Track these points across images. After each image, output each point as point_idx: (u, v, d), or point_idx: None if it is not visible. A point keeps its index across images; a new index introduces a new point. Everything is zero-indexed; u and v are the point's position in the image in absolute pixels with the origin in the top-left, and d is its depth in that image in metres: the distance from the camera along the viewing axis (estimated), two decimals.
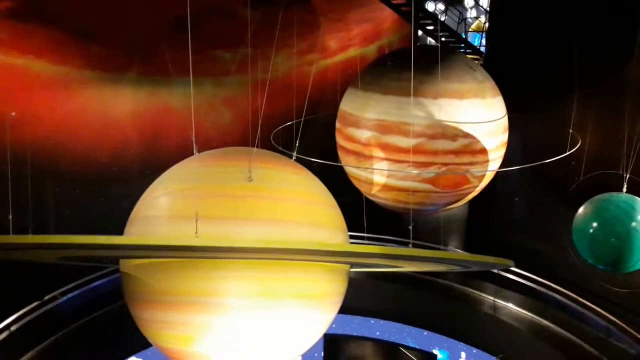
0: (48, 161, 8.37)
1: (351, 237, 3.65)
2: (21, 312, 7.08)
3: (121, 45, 9.34)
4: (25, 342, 6.91)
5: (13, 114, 7.32)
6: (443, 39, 10.87)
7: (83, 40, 8.92)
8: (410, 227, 3.90)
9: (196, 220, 2.69)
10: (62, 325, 7.30)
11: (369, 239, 7.17)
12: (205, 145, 3.53)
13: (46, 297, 7.43)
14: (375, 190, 5.37)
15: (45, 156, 8.30)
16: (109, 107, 9.44)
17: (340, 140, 5.75)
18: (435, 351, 9.27)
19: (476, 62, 7.04)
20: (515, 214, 10.72)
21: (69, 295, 7.72)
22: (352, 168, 5.45)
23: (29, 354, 6.82)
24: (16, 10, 8.13)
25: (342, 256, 3.07)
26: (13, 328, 6.91)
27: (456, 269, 4.66)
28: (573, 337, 7.80)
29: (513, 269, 8.56)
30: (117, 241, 2.55)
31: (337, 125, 5.83)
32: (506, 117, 5.54)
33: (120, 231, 3.22)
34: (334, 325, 3.48)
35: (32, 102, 8.49)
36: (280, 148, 5.41)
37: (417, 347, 9.51)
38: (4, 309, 6.99)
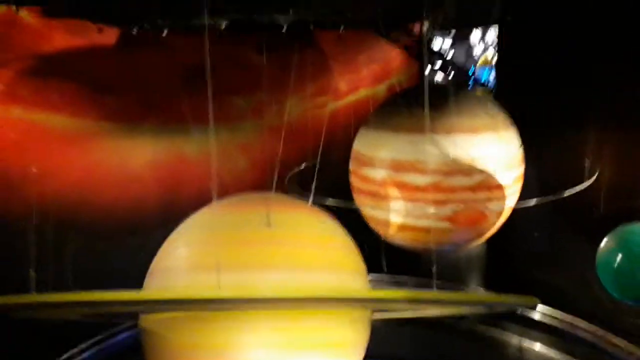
0: (67, 215, 8.46)
1: (371, 279, 3.61)
2: None
3: (136, 96, 9.58)
4: None
5: (34, 169, 7.48)
6: (452, 74, 11.00)
7: (99, 93, 9.18)
8: (433, 269, 3.85)
9: (217, 271, 2.69)
10: None
11: (389, 282, 7.06)
12: (222, 191, 3.55)
13: (64, 356, 7.35)
14: (393, 231, 5.33)
15: (64, 210, 8.40)
16: (126, 159, 9.60)
17: (355, 182, 5.76)
18: None
19: (487, 96, 7.09)
20: (536, 249, 10.51)
21: (87, 353, 7.64)
22: (369, 209, 5.43)
23: None
24: (36, 67, 8.43)
25: (366, 302, 3.04)
26: None
27: (480, 309, 4.55)
28: None
29: (537, 306, 8.31)
30: (139, 297, 2.55)
31: (351, 166, 5.85)
32: (521, 150, 5.52)
33: (140, 283, 3.22)
34: None
35: (52, 156, 8.67)
36: (295, 192, 5.43)
37: None
38: None
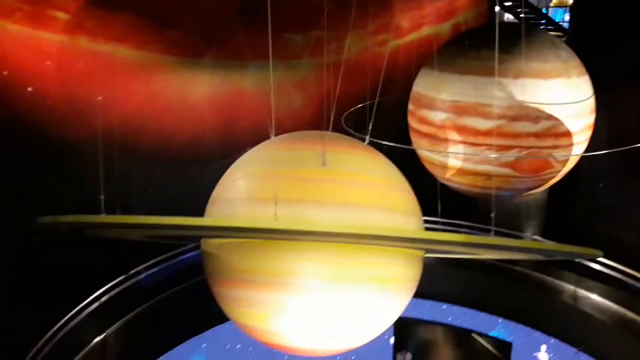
0: (130, 143, 8.81)
1: (425, 222, 3.58)
2: (110, 284, 7.60)
3: (197, 30, 9.61)
4: (114, 313, 7.43)
5: (100, 98, 7.74)
6: (523, 15, 10.33)
7: (161, 26, 9.26)
8: (492, 215, 3.77)
9: (275, 203, 2.75)
10: (147, 297, 7.79)
11: (443, 224, 7.01)
12: (278, 128, 3.57)
13: (132, 271, 7.92)
14: (450, 174, 5.24)
15: (128, 138, 8.75)
16: (186, 91, 9.78)
17: (413, 123, 5.64)
18: None
19: (560, 39, 6.65)
20: (599, 200, 10.11)
21: (153, 270, 8.20)
22: (426, 152, 5.34)
23: (117, 324, 7.34)
24: None
25: (421, 243, 3.04)
26: (103, 299, 7.44)
27: (539, 257, 4.47)
28: None
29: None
30: (202, 223, 2.66)
31: (410, 107, 5.71)
32: (593, 98, 5.21)
33: (199, 210, 3.35)
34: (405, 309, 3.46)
35: (116, 86, 8.94)
36: (351, 131, 5.38)
37: (491, 334, 9.28)
38: (95, 282, 7.52)
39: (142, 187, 8.94)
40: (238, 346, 8.79)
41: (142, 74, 9.30)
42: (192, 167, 9.44)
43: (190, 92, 9.83)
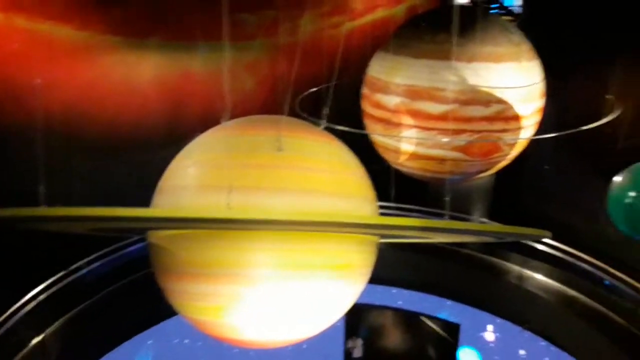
0: (72, 128, 8.38)
1: (379, 207, 3.55)
2: (48, 281, 7.21)
3: (142, 9, 9.20)
4: (53, 312, 7.06)
5: (38, 80, 7.30)
6: None
7: (104, 4, 8.82)
8: (447, 199, 3.77)
9: (229, 192, 2.62)
10: (88, 294, 7.44)
11: (396, 209, 7.06)
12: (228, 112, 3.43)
13: (72, 267, 7.54)
14: (402, 159, 5.23)
15: (69, 123, 8.31)
16: (131, 74, 9.37)
17: (366, 108, 5.60)
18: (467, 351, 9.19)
19: (511, 23, 6.74)
20: (545, 183, 10.47)
21: (95, 265, 7.84)
22: (379, 136, 5.31)
23: (57, 323, 6.98)
24: None
25: (378, 229, 3.00)
26: (41, 297, 7.05)
27: (490, 240, 4.54)
28: (602, 309, 7.67)
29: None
30: (150, 214, 2.49)
31: (364, 91, 5.66)
32: (543, 82, 5.31)
33: (144, 199, 3.17)
34: None
35: (56, 68, 8.46)
36: (305, 116, 5.28)
37: (439, 316, 9.48)
38: (32, 279, 7.12)
39: (85, 176, 8.54)
40: (186, 341, 8.60)
41: (83, 55, 8.84)
42: (138, 154, 9.09)
43: (135, 75, 9.43)
